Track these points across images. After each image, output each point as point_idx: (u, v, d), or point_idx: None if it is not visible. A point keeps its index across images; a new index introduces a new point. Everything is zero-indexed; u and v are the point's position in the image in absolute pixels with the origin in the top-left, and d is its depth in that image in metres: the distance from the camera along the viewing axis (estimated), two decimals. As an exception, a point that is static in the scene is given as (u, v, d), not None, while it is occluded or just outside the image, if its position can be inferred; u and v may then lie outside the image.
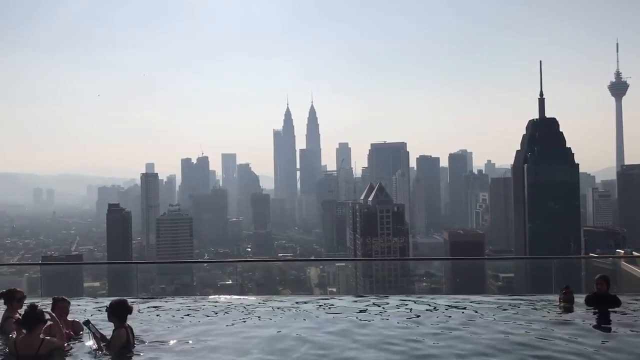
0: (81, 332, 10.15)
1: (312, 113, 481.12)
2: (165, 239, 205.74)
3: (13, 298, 10.49)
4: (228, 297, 15.92)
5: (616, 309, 12.63)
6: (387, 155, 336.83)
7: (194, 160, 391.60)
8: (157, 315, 12.96)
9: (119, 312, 9.49)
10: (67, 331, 9.89)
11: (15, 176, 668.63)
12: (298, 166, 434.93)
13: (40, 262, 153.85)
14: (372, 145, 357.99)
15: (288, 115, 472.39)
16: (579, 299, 13.30)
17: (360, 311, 13.18)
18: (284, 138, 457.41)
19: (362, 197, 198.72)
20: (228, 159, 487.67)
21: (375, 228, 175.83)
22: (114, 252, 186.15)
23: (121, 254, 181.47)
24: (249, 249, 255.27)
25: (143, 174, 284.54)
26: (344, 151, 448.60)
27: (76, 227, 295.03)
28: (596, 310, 12.55)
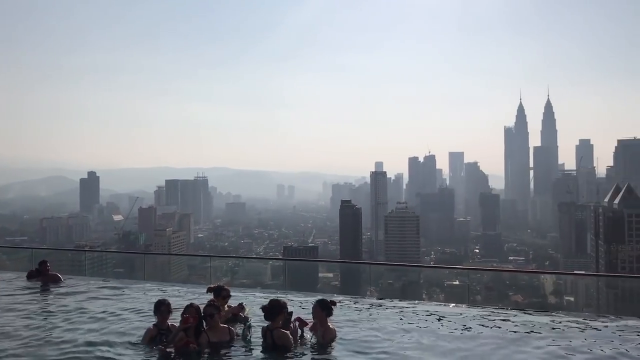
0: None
1: (549, 108, 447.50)
2: (392, 235, 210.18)
3: (219, 294, 10.66)
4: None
5: None
6: (638, 153, 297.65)
7: (421, 159, 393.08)
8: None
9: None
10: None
11: (262, 173, 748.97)
12: (531, 165, 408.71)
13: (282, 252, 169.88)
14: (619, 141, 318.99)
15: (521, 110, 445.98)
16: None
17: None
18: (515, 135, 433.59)
19: (606, 199, 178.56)
20: (455, 158, 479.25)
21: (622, 234, 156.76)
22: (346, 245, 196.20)
23: (352, 248, 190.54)
24: (477, 250, 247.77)
25: (372, 172, 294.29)
26: (584, 148, 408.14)
27: (313, 221, 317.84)
28: None
